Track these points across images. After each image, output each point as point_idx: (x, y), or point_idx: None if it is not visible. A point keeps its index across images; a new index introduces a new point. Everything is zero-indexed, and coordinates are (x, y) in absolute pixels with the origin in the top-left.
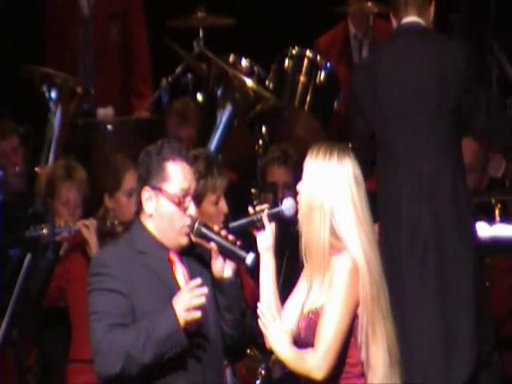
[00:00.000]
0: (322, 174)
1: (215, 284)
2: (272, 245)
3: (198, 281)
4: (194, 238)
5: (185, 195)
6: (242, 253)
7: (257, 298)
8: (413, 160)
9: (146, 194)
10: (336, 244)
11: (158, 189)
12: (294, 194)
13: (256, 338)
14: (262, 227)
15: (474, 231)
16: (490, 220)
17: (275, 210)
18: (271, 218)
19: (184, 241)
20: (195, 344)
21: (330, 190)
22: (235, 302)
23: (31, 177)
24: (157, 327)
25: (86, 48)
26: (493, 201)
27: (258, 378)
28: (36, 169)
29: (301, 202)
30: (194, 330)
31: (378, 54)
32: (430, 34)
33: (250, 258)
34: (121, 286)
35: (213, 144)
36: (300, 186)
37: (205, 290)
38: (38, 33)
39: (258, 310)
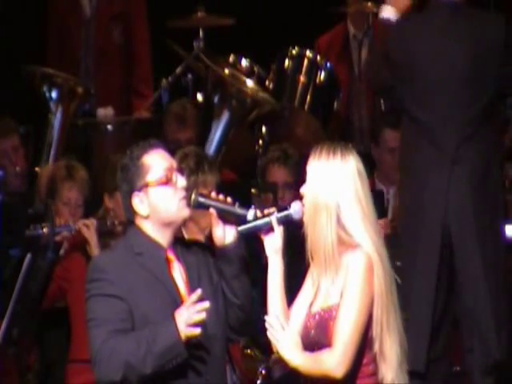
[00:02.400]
0: (326, 173)
1: (219, 257)
2: (280, 248)
3: (199, 292)
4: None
5: (170, 172)
6: (243, 211)
7: None
8: (444, 142)
9: (137, 198)
10: (346, 239)
11: (144, 186)
12: (300, 197)
13: (257, 335)
14: (271, 230)
15: (503, 220)
16: None
17: (284, 213)
18: (280, 221)
19: (186, 212)
20: (197, 345)
21: (335, 188)
22: (242, 267)
23: (31, 177)
24: (158, 339)
25: (87, 48)
26: None
27: (258, 378)
28: (36, 169)
29: (306, 204)
30: (195, 342)
31: (413, 26)
32: (466, 9)
33: (250, 213)
34: (118, 290)
35: (211, 152)
36: (304, 189)
37: (206, 304)
38: (39, 33)
39: (266, 323)
